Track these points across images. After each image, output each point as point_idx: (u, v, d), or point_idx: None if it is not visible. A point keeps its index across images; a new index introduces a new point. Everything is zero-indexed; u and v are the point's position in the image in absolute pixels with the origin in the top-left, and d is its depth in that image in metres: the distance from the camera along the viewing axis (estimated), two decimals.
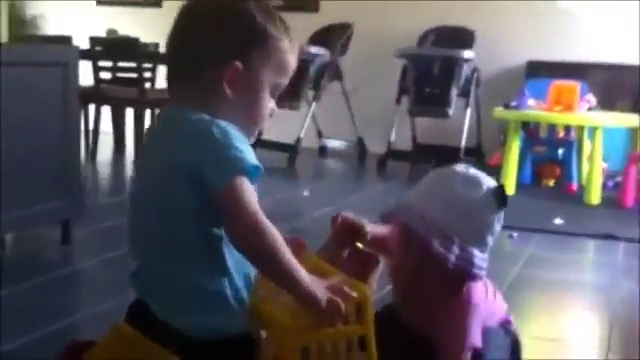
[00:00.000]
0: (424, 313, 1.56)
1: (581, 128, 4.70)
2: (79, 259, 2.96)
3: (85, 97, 5.36)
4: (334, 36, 5.79)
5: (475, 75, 5.41)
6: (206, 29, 1.16)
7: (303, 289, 1.09)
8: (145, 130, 1.29)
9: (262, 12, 1.18)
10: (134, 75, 5.41)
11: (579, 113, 4.44)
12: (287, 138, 5.69)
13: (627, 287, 2.83)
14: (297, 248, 1.27)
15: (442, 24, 5.71)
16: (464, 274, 1.48)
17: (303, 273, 1.10)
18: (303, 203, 4.27)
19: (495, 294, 1.64)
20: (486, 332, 1.54)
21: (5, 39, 3.47)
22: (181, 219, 1.12)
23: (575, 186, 4.66)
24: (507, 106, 4.62)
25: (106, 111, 5.73)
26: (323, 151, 6.14)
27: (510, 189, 4.47)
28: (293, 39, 1.22)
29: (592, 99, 4.64)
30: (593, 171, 4.33)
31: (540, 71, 5.34)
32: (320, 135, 6.12)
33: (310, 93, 5.78)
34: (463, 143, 5.25)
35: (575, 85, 4.48)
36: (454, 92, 5.26)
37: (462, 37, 5.54)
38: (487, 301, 1.57)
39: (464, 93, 5.39)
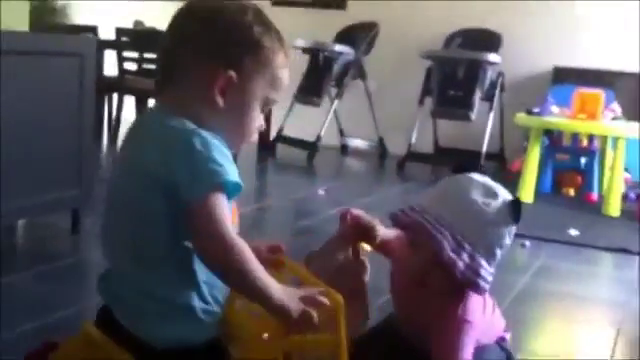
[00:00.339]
0: (421, 323, 1.54)
1: (604, 137, 4.61)
2: (87, 248, 2.98)
3: (109, 86, 5.43)
4: (359, 35, 5.77)
5: (500, 79, 5.36)
6: (202, 34, 1.14)
7: (273, 303, 1.08)
8: (127, 130, 1.25)
9: (260, 24, 1.16)
10: None
11: (602, 122, 4.36)
12: (308, 135, 5.69)
13: (637, 304, 2.77)
14: (275, 254, 1.29)
15: (469, 26, 5.65)
16: (469, 285, 1.46)
17: (274, 287, 1.08)
18: (318, 202, 4.25)
19: (494, 309, 1.62)
20: (479, 349, 1.52)
21: (27, 27, 3.48)
22: (152, 230, 1.09)
23: (595, 196, 4.58)
24: (530, 112, 4.55)
25: (130, 101, 5.78)
26: (344, 150, 6.12)
27: (529, 197, 4.41)
28: (288, 53, 1.20)
29: (617, 108, 4.56)
30: (613, 182, 4.25)
31: (566, 77, 5.26)
32: (342, 134, 6.10)
33: (333, 91, 5.77)
34: (484, 148, 5.20)
35: (599, 93, 4.40)
36: (478, 95, 5.21)
37: (489, 40, 5.48)
38: (484, 318, 1.54)
39: (488, 97, 5.34)
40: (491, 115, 5.31)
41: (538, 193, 4.56)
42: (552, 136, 4.78)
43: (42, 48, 2.84)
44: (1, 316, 2.10)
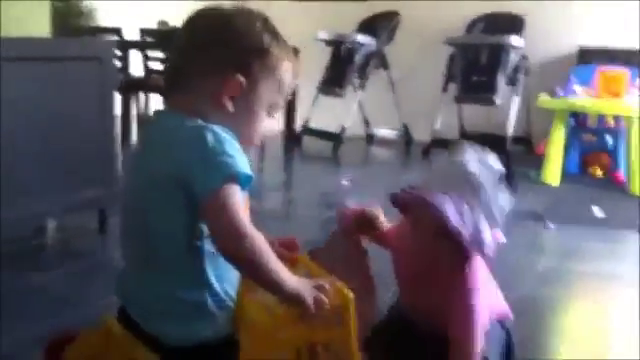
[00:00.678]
0: (430, 306, 1.56)
1: (630, 117, 4.55)
2: (114, 247, 3.06)
3: (136, 86, 5.53)
4: (380, 24, 5.77)
5: (524, 62, 5.31)
6: (213, 40, 1.17)
7: (287, 290, 1.11)
8: (139, 133, 1.27)
9: (268, 32, 1.20)
10: None
11: (626, 101, 4.30)
12: (333, 126, 5.71)
13: None
14: (289, 249, 1.32)
15: (491, 11, 5.61)
16: (475, 248, 1.47)
17: (287, 275, 1.11)
18: (342, 192, 4.29)
19: (496, 292, 1.64)
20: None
21: (47, 31, 3.56)
22: (166, 230, 1.12)
23: (623, 176, 4.53)
24: (553, 94, 4.51)
25: (157, 99, 5.87)
26: (370, 139, 6.13)
27: (554, 178, 4.39)
28: (293, 60, 1.24)
29: None
30: (637, 161, 4.20)
31: (591, 58, 5.19)
32: (367, 123, 6.12)
33: (356, 82, 5.78)
34: (510, 131, 5.17)
35: (623, 72, 4.35)
36: (502, 79, 5.18)
37: (511, 24, 5.44)
38: (488, 289, 1.56)
39: (512, 81, 5.30)
40: (516, 99, 5.28)
41: (565, 175, 4.53)
42: (578, 117, 4.74)
43: (61, 53, 2.92)
44: (32, 312, 2.18)
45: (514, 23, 5.43)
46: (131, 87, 5.40)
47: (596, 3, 5.44)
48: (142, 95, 5.76)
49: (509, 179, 1.54)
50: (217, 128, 1.12)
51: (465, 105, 5.55)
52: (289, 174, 5.23)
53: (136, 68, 5.75)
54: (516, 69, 5.28)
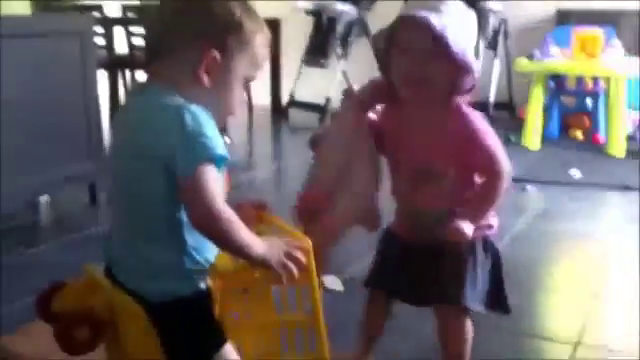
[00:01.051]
0: (437, 196, 1.57)
1: (608, 78, 4.63)
2: (106, 219, 3.15)
3: (120, 63, 5.56)
4: None
5: (503, 26, 5.38)
6: (188, 15, 1.23)
7: (254, 258, 1.23)
8: (120, 107, 1.35)
9: (241, 6, 1.25)
10: None
11: (602, 61, 4.37)
12: (318, 98, 5.78)
13: (636, 236, 2.88)
14: (259, 209, 1.47)
15: None
16: (465, 66, 1.48)
17: (255, 244, 1.22)
18: None
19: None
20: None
21: (28, 10, 3.63)
22: (149, 203, 1.21)
23: (602, 137, 4.62)
24: (530, 57, 4.59)
25: (142, 75, 5.91)
26: None
27: (534, 143, 4.48)
28: (267, 33, 1.29)
29: (617, 44, 4.55)
30: (613, 121, 4.29)
31: (569, 19, 5.26)
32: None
33: (339, 51, 5.83)
34: (492, 97, 5.25)
35: (598, 32, 4.41)
36: (481, 44, 5.24)
37: None
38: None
39: (492, 45, 5.37)
40: (496, 63, 5.35)
41: (545, 138, 4.62)
42: (557, 80, 4.82)
43: (42, 29, 2.98)
44: (28, 283, 2.27)
45: None
46: (116, 64, 5.44)
47: None
48: (128, 72, 5.79)
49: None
50: (195, 108, 1.18)
51: None
52: (276, 146, 5.31)
53: (121, 45, 5.78)
54: (495, 33, 5.35)
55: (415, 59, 1.48)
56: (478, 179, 1.58)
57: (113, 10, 5.85)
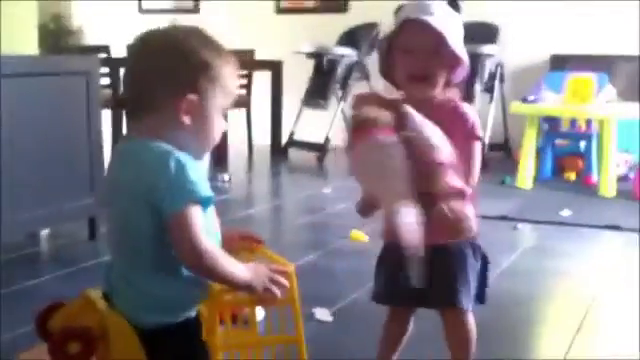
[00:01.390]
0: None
1: (601, 121, 4.74)
2: (105, 252, 3.22)
3: (124, 103, 5.69)
4: (361, 36, 5.96)
5: (499, 70, 5.51)
6: (158, 68, 1.30)
7: (241, 285, 1.32)
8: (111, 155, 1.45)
9: (204, 45, 1.32)
10: None
11: (593, 105, 4.49)
12: (317, 138, 5.89)
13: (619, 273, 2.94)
14: (250, 240, 1.56)
15: (466, 21, 5.79)
16: (459, 63, 1.68)
17: (240, 272, 1.30)
18: (324, 199, 4.47)
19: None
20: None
21: (36, 50, 3.77)
22: (141, 241, 1.29)
23: (594, 179, 4.71)
24: (525, 100, 4.70)
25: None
26: None
27: (526, 183, 4.58)
28: (232, 61, 1.36)
29: (611, 91, 4.68)
30: (604, 163, 4.39)
31: (563, 64, 5.39)
32: None
33: (339, 93, 5.96)
34: (487, 139, 5.35)
35: (590, 77, 4.54)
36: (477, 87, 5.37)
37: (486, 33, 5.61)
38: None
39: (488, 88, 5.50)
40: (492, 106, 5.47)
41: (539, 179, 4.71)
42: (551, 123, 4.92)
43: (49, 69, 3.11)
44: (26, 312, 2.34)
45: (489, 31, 5.62)
46: (120, 104, 5.57)
47: (568, 12, 5.65)
48: None
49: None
50: (178, 154, 1.26)
51: None
52: (276, 184, 5.40)
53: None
54: (492, 76, 5.48)
55: (418, 58, 1.66)
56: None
57: (119, 51, 6.00)
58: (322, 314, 2.44)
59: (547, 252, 3.28)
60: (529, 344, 2.34)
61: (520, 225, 3.66)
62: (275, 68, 6.06)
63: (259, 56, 6.36)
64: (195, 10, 7.28)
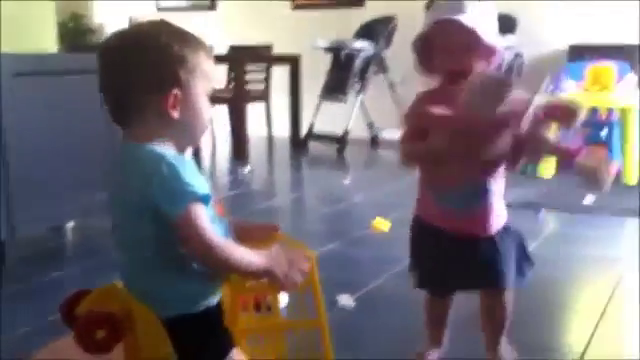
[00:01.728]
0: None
1: (623, 109, 4.71)
2: None
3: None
4: (378, 29, 5.96)
5: (518, 61, 5.48)
6: (135, 71, 1.29)
7: (259, 272, 1.32)
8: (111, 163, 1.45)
9: (175, 38, 1.31)
10: None
11: (615, 94, 4.46)
12: (336, 130, 5.90)
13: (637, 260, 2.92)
14: (271, 231, 1.56)
15: None
16: (494, 53, 1.74)
17: (256, 260, 1.31)
18: (343, 190, 4.48)
19: None
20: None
21: (55, 48, 3.82)
22: (144, 243, 1.30)
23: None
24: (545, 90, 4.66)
25: None
26: (374, 142, 6.31)
27: (548, 171, 4.55)
28: (206, 46, 1.36)
29: (632, 79, 4.64)
30: (626, 151, 4.35)
31: (582, 55, 5.35)
32: (371, 126, 6.29)
33: (357, 86, 5.97)
34: None
35: (611, 65, 4.50)
36: None
37: (504, 24, 5.56)
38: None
39: None
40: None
41: (561, 168, 4.68)
42: None
43: (69, 67, 3.16)
44: (52, 303, 2.37)
45: (507, 23, 5.59)
46: None
47: (586, 2, 5.60)
48: None
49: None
50: (171, 158, 1.26)
51: None
52: (296, 176, 5.42)
53: None
54: (510, 67, 5.45)
55: (454, 55, 1.71)
56: None
57: None
58: (345, 300, 2.45)
59: (570, 239, 3.27)
60: (553, 329, 2.33)
61: (543, 212, 3.64)
62: (293, 62, 6.08)
63: (277, 51, 6.38)
64: (212, 7, 7.31)
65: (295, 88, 6.14)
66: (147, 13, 7.14)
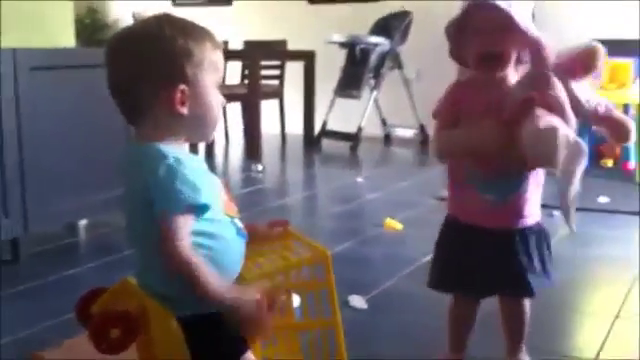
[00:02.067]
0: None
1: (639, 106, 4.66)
2: None
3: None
4: (393, 25, 5.94)
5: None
6: (140, 68, 1.26)
7: (225, 305, 1.28)
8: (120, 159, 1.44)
9: (178, 31, 1.27)
10: None
11: (632, 91, 4.42)
12: (350, 128, 5.89)
13: None
14: (281, 225, 1.55)
15: None
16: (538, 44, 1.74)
17: (223, 292, 1.26)
18: (357, 188, 4.47)
19: None
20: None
21: (72, 43, 3.84)
22: (154, 242, 1.27)
23: (632, 165, 4.63)
24: None
25: None
26: (387, 139, 6.29)
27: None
28: (212, 36, 1.32)
29: None
30: None
31: None
32: (384, 123, 6.28)
33: (371, 82, 5.95)
34: None
35: (629, 62, 4.46)
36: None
37: None
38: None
39: None
40: None
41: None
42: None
43: (85, 61, 3.16)
44: (68, 300, 2.38)
45: None
46: None
47: None
48: None
49: None
50: (172, 160, 1.23)
51: None
52: (309, 174, 5.42)
53: None
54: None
55: (488, 37, 1.68)
56: None
57: None
58: (357, 301, 2.44)
59: (585, 239, 3.24)
60: (568, 330, 2.32)
61: (557, 212, 3.61)
62: (308, 58, 6.07)
63: (291, 46, 6.37)
64: (228, 2, 7.32)
65: (309, 85, 6.13)
66: (160, 8, 7.16)
